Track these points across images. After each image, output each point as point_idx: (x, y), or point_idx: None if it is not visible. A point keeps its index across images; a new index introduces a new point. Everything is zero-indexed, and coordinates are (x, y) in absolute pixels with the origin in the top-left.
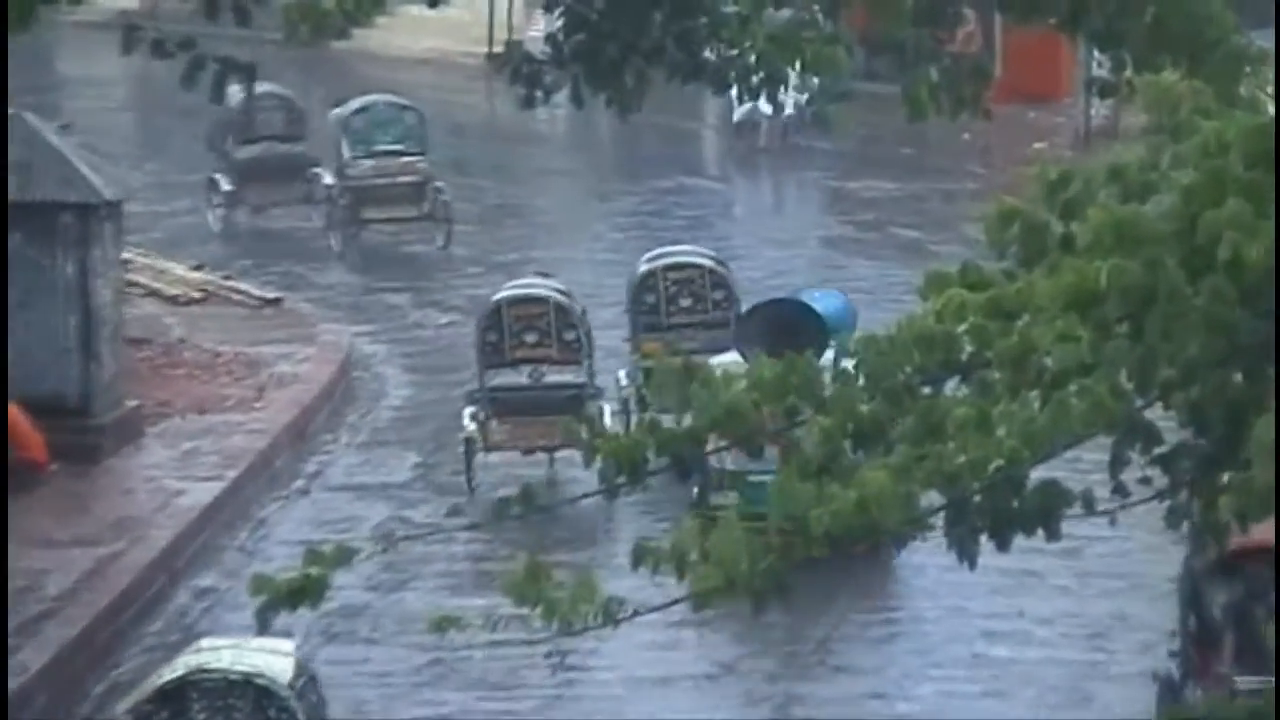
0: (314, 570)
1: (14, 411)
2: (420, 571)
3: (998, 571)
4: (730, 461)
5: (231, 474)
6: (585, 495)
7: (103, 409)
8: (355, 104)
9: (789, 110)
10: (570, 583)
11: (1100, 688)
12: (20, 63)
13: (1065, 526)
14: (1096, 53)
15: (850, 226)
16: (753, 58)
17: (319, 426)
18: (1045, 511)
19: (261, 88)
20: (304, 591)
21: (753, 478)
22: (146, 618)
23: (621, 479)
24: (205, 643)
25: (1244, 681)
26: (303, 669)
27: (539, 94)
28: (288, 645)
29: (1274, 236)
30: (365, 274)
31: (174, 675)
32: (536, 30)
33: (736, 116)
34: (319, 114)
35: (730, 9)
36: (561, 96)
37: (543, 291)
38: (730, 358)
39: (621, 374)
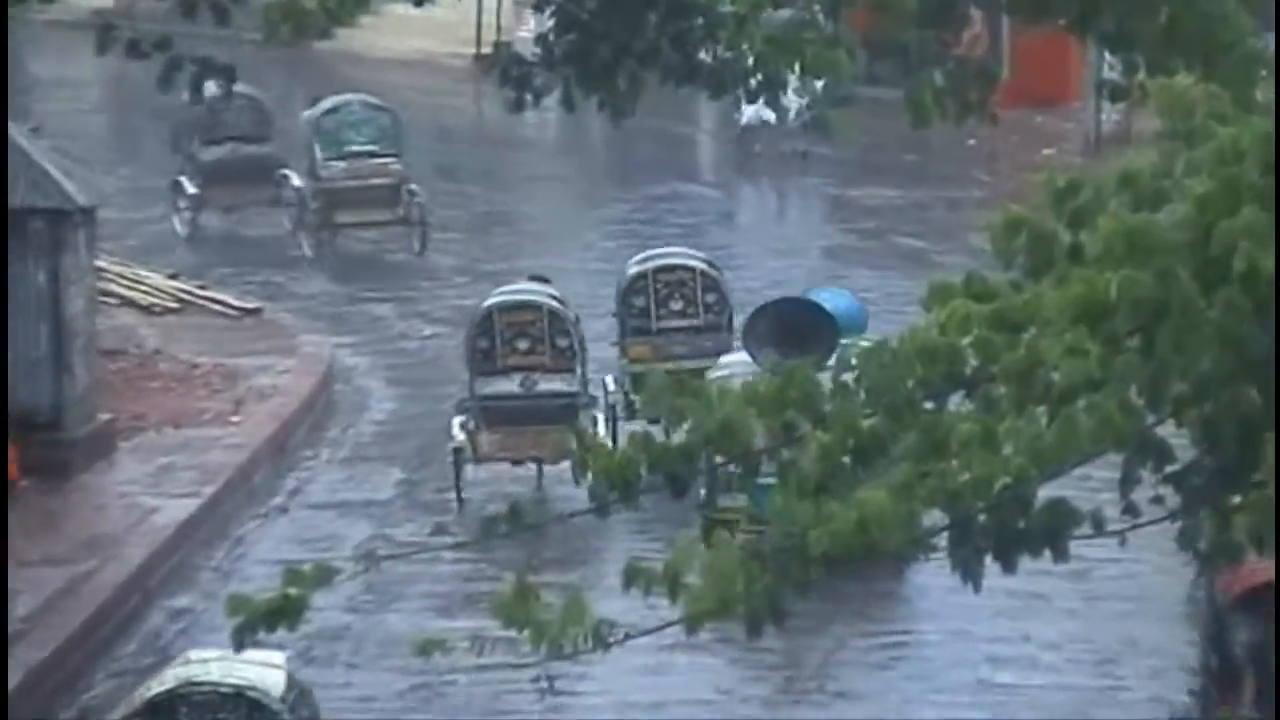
0: (293, 590)
1: None
2: (404, 592)
3: (1003, 594)
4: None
5: (208, 490)
6: (575, 513)
7: (75, 422)
8: (327, 104)
9: (793, 115)
10: (559, 604)
11: (1109, 715)
12: None
13: (1073, 547)
14: (1107, 55)
15: (851, 235)
16: (750, 60)
17: (299, 441)
18: (1053, 532)
19: (216, 84)
20: (282, 612)
21: (762, 480)
22: (119, 640)
23: (613, 496)
24: (193, 654)
25: None
26: (294, 682)
27: (529, 97)
28: (279, 657)
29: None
30: (347, 283)
31: (163, 688)
32: (526, 31)
33: (744, 120)
34: (298, 117)
35: (727, 9)
36: (552, 99)
37: (536, 297)
38: (738, 358)
39: (608, 379)
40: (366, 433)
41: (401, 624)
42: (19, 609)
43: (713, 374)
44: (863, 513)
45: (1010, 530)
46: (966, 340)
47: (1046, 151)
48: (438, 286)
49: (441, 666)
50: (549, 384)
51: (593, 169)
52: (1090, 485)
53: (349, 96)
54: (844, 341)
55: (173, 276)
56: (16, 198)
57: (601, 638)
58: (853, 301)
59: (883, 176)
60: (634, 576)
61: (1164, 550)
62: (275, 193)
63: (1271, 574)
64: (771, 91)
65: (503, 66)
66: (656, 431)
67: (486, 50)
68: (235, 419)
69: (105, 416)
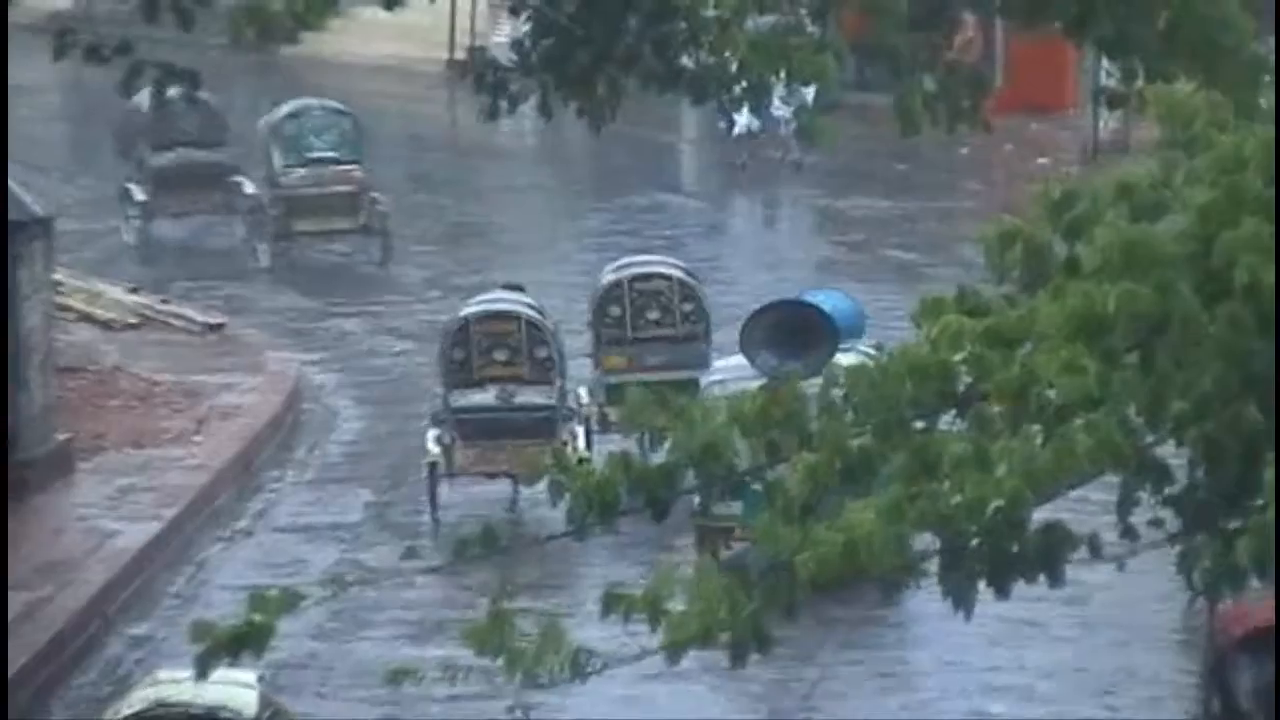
0: (258, 617)
1: None
2: (373, 619)
3: (997, 621)
4: None
5: (169, 513)
6: (552, 536)
7: (31, 442)
8: (286, 108)
9: (783, 126)
10: (535, 631)
11: None
12: None
13: (1070, 572)
14: (1105, 60)
15: (840, 247)
16: (734, 66)
17: (264, 462)
18: (1048, 556)
19: (176, 90)
20: (247, 640)
21: (757, 486)
22: (76, 668)
23: (591, 519)
24: (162, 674)
25: None
26: (268, 702)
27: (504, 104)
28: (250, 677)
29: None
30: (315, 297)
31: (131, 711)
32: (502, 35)
33: (736, 129)
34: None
35: (710, 13)
36: (528, 106)
37: (513, 307)
38: (734, 362)
39: (582, 391)
40: (334, 453)
41: (371, 652)
42: None
43: (707, 379)
44: (851, 536)
45: (1004, 554)
46: (959, 357)
47: (1042, 160)
48: (408, 301)
49: (412, 696)
50: (527, 396)
51: (571, 179)
52: (1087, 508)
53: (309, 101)
54: (843, 345)
55: (133, 290)
56: None
57: (579, 666)
58: (851, 304)
59: (872, 186)
60: (613, 602)
61: (1163, 575)
62: (227, 199)
63: (1274, 617)
64: (756, 98)
65: (477, 72)
66: (632, 445)
67: (460, 55)
68: (198, 439)
69: (63, 436)
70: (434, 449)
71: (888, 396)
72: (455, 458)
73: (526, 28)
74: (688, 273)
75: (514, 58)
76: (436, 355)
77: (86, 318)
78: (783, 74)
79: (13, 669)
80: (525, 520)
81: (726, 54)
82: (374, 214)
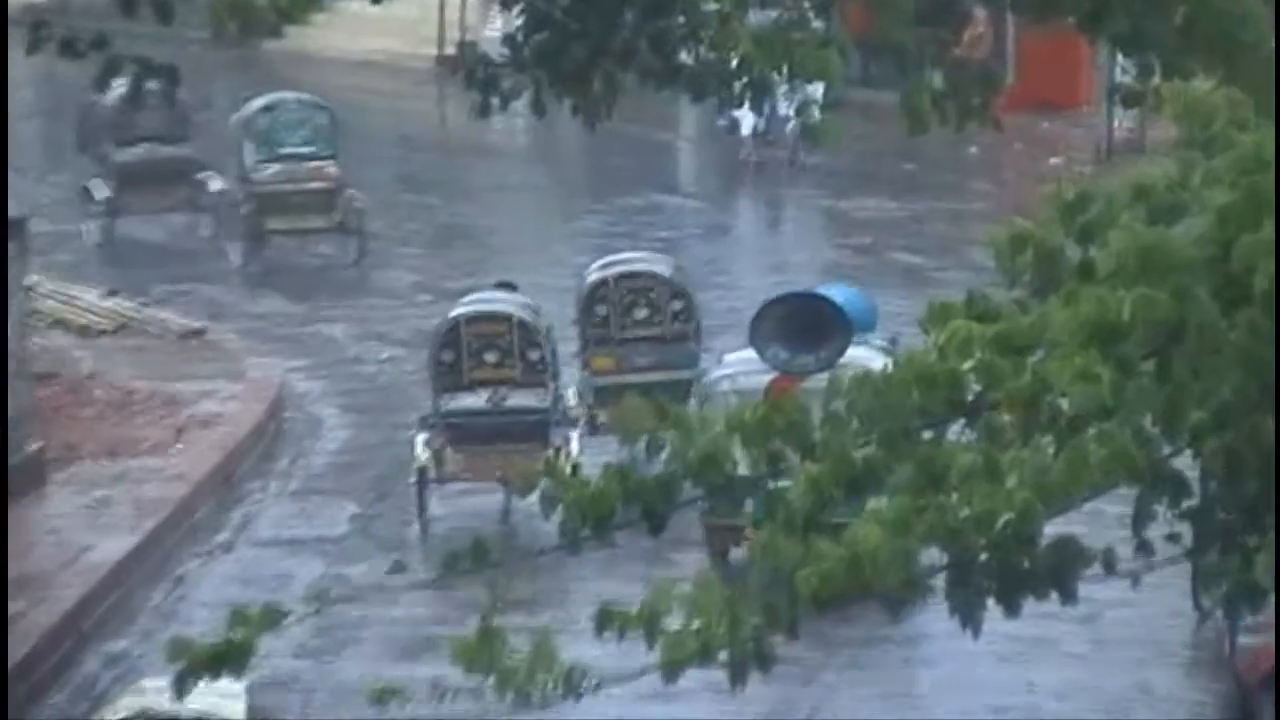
0: (238, 634)
1: None
2: (359, 636)
3: (1006, 639)
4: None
5: (147, 526)
6: (545, 550)
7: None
8: (260, 102)
9: (790, 126)
10: (527, 649)
11: None
12: None
13: (1082, 589)
14: (1120, 57)
15: (844, 250)
16: (735, 61)
17: (246, 473)
18: (1060, 571)
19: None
20: (227, 657)
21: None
22: (50, 687)
23: (585, 532)
24: (147, 683)
25: None
26: (256, 710)
27: (496, 101)
28: (237, 686)
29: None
30: (298, 301)
31: (117, 719)
32: (493, 29)
33: (744, 130)
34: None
35: (710, 7)
36: (521, 103)
37: (505, 307)
38: (744, 356)
39: (570, 393)
40: (318, 463)
41: (356, 671)
42: None
43: (716, 374)
44: (855, 550)
45: (1014, 570)
46: (968, 364)
47: (1054, 161)
48: (396, 305)
49: (399, 716)
50: (519, 400)
51: (565, 178)
52: (1101, 521)
53: (284, 94)
54: (855, 339)
55: (110, 294)
56: None
57: (572, 685)
58: (860, 296)
59: (878, 187)
60: (608, 619)
61: (1179, 592)
62: (193, 196)
63: None
64: (758, 95)
65: (468, 68)
66: (623, 451)
67: (450, 50)
68: (177, 449)
69: (35, 445)
70: (423, 454)
71: (894, 405)
72: (445, 463)
73: (519, 21)
74: (677, 269)
75: (506, 53)
76: (426, 358)
77: (61, 322)
78: (785, 70)
79: None
80: (519, 532)
81: (727, 49)
82: (350, 212)
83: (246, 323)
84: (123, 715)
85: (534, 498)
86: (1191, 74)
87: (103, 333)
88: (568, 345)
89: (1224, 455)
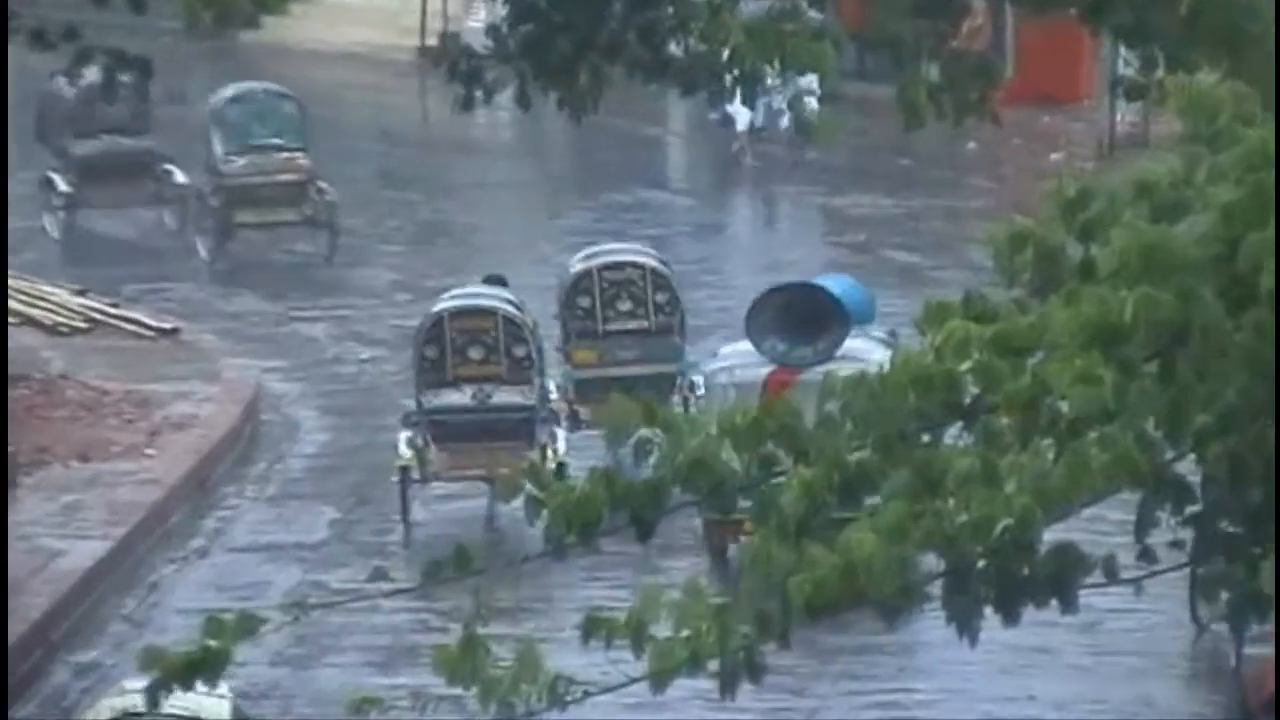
0: (214, 642)
1: None
2: (338, 645)
3: (1005, 648)
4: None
5: (119, 531)
6: (530, 557)
7: None
8: (228, 92)
9: (785, 121)
10: (511, 658)
11: None
12: None
13: (1083, 597)
14: (1123, 49)
15: (839, 249)
16: (726, 54)
17: (221, 477)
18: (1060, 579)
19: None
20: (202, 666)
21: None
22: (19, 699)
23: (571, 538)
24: (128, 684)
25: None
26: (240, 711)
27: (480, 94)
28: (222, 686)
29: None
30: (276, 300)
31: None
32: (477, 20)
33: (740, 126)
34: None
35: None
36: (505, 97)
37: (490, 302)
38: (739, 348)
39: (551, 386)
40: (296, 467)
41: (335, 680)
42: None
43: (713, 366)
44: (849, 557)
45: (1012, 577)
46: (965, 366)
47: (1054, 156)
48: (376, 304)
49: None
50: (504, 396)
51: (550, 174)
52: (1102, 528)
53: (253, 84)
54: (853, 332)
55: (81, 293)
56: None
57: (558, 696)
58: (857, 288)
59: (874, 183)
60: (595, 627)
61: (1182, 600)
62: (157, 190)
63: None
64: (748, 88)
65: (451, 60)
66: (601, 445)
67: (432, 42)
68: (150, 452)
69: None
70: (406, 452)
71: (889, 408)
72: (428, 462)
73: (503, 12)
74: (661, 261)
75: (490, 44)
76: (410, 354)
77: (30, 322)
78: (778, 63)
79: None
80: (506, 538)
81: (718, 42)
82: (321, 205)
83: (221, 322)
84: (106, 717)
85: (519, 502)
86: (1196, 67)
87: (74, 332)
88: (552, 340)
89: (1228, 460)
